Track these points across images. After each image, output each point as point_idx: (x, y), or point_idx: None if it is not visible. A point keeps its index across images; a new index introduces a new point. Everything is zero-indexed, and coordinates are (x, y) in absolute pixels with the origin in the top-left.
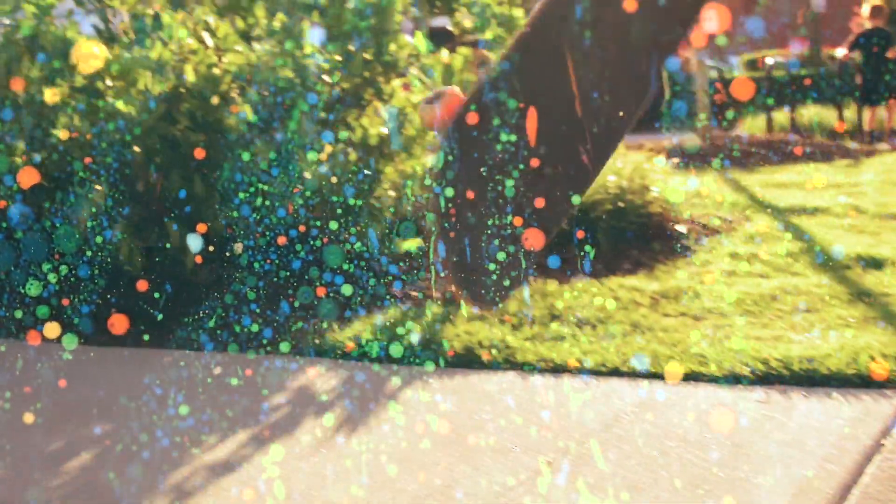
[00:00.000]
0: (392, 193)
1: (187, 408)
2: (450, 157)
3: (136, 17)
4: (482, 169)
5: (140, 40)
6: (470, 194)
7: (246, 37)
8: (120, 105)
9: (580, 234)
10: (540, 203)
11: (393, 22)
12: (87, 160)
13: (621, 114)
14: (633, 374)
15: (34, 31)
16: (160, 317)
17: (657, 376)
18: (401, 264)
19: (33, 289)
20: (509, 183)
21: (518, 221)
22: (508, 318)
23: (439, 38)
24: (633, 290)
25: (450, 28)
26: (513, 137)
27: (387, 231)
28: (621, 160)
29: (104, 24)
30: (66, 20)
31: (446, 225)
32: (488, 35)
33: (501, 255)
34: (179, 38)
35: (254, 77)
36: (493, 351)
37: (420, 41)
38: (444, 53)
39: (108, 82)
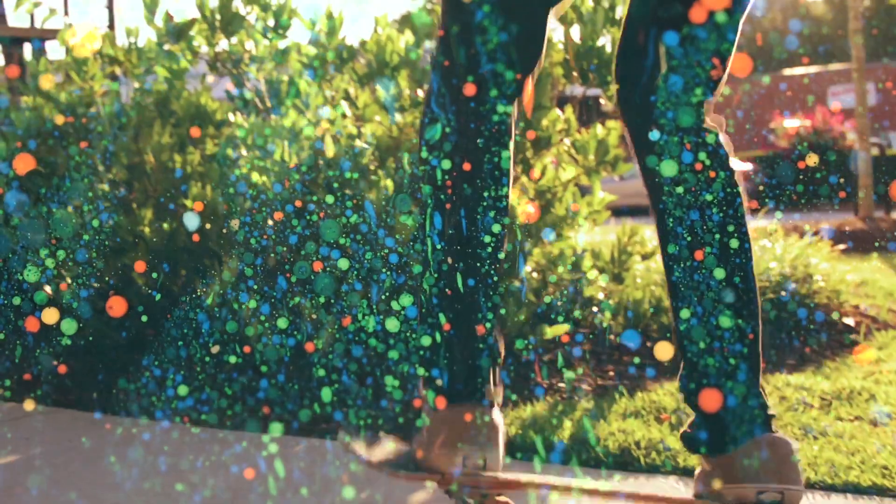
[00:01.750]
0: (535, 275)
1: None
2: (447, 129)
3: (272, 84)
4: (479, 140)
5: (276, 108)
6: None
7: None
8: (255, 176)
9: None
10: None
11: (547, 96)
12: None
13: None
14: (808, 485)
15: (165, 96)
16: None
17: (834, 488)
18: (541, 352)
19: (31, 275)
20: (505, 155)
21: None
22: (666, 417)
23: (588, 111)
24: (800, 388)
25: (601, 100)
26: (509, 109)
27: (531, 320)
28: (780, 244)
29: (238, 89)
30: (199, 84)
31: (442, 197)
32: None
33: None
34: (317, 107)
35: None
36: (653, 453)
37: (571, 115)
38: (599, 128)
39: (243, 151)
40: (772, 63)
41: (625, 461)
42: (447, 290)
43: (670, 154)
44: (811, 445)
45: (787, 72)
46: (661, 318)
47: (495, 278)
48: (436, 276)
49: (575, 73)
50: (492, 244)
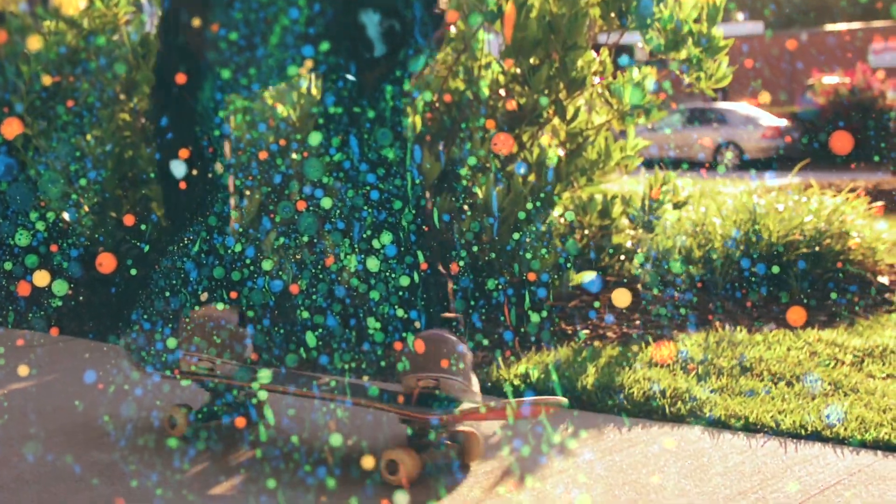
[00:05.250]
0: (563, 221)
1: None
2: (429, 60)
3: None
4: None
5: None
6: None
7: None
8: (281, 109)
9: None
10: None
11: (583, 36)
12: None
13: None
14: (837, 440)
15: None
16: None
17: (864, 444)
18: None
19: (22, 239)
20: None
21: (490, 124)
22: (693, 367)
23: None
24: (832, 344)
25: (640, 45)
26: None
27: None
28: (816, 200)
29: None
30: None
31: (423, 129)
32: (682, 55)
33: None
34: None
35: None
36: (679, 403)
37: (607, 58)
38: (636, 72)
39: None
40: (811, 17)
41: (649, 410)
42: (424, 226)
43: None
44: (841, 401)
45: (829, 27)
46: (690, 268)
47: (469, 213)
48: (414, 212)
49: (613, 15)
50: (466, 177)
